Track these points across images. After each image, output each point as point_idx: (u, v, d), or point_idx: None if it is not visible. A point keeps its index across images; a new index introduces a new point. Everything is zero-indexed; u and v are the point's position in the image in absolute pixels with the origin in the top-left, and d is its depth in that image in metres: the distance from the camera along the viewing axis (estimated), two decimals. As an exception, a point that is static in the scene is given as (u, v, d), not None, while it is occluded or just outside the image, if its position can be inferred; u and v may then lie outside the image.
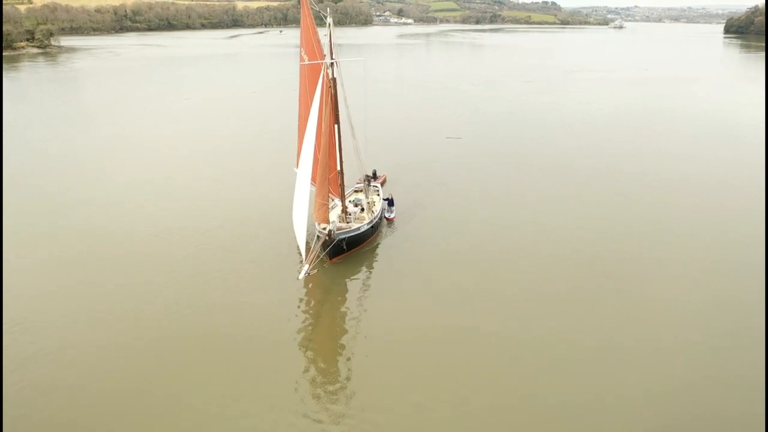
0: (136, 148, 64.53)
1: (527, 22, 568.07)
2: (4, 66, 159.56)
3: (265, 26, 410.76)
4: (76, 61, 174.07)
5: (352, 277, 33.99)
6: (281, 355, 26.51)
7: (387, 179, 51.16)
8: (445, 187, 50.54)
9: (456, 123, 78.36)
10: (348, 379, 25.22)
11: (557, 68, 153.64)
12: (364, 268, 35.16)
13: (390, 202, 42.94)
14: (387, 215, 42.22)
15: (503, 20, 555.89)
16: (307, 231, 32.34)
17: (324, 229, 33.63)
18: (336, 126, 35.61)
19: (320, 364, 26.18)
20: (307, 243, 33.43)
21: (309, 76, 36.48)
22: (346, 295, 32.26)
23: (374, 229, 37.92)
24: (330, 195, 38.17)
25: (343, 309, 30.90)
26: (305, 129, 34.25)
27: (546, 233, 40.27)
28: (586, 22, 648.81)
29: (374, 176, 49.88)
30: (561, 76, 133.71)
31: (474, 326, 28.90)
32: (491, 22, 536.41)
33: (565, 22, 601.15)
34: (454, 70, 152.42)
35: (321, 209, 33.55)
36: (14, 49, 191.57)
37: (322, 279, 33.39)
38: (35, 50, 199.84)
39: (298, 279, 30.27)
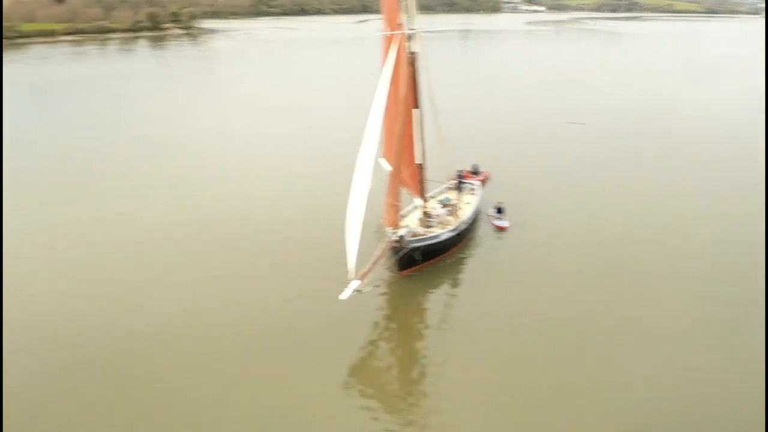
0: (244, 129, 60.87)
1: (669, 11, 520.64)
2: (153, 44, 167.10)
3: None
4: (215, 42, 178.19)
5: (426, 294, 27.05)
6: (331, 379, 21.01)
7: (490, 176, 42.84)
8: (563, 185, 41.85)
9: (580, 110, 68.30)
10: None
11: (701, 58, 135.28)
12: (443, 284, 28.00)
13: (498, 210, 35.02)
14: (497, 223, 34.50)
15: (642, 8, 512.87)
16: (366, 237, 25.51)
17: (394, 234, 26.95)
18: (416, 110, 28.52)
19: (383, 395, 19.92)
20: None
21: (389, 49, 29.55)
22: (415, 317, 25.54)
23: (460, 237, 30.42)
24: (410, 194, 31.31)
25: (410, 332, 24.38)
26: (390, 112, 27.89)
27: (692, 245, 31.57)
28: (735, 11, 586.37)
29: (475, 172, 42.09)
30: (706, 67, 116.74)
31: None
32: (628, 10, 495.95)
33: (711, 11, 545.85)
34: (583, 56, 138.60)
35: (391, 210, 26.73)
36: (161, 29, 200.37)
37: (391, 294, 26.78)
38: (179, 31, 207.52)
39: (340, 299, 23.15)
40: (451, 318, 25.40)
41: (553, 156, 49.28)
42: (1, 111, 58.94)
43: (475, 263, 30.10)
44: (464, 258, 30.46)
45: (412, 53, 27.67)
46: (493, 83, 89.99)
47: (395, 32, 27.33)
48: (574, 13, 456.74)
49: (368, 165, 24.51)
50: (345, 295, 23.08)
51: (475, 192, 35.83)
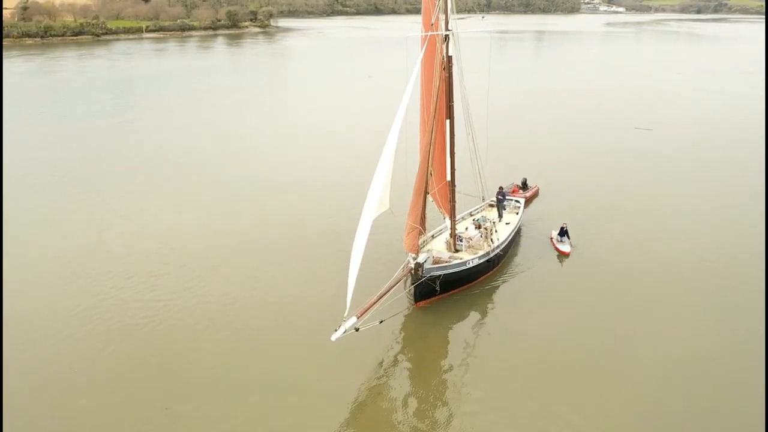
0: (294, 124, 59.77)
1: (761, 12, 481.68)
2: (230, 41, 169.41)
3: (468, 12, 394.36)
4: (289, 40, 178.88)
5: (445, 329, 23.41)
6: None
7: (539, 192, 38.52)
8: (635, 203, 37.16)
9: (650, 115, 62.95)
10: None
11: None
12: (465, 319, 24.10)
13: (561, 232, 30.70)
14: (559, 246, 30.42)
15: (730, 9, 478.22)
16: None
17: (414, 259, 23.61)
18: (448, 122, 24.98)
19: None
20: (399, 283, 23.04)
21: (427, 52, 26.15)
22: (426, 356, 22.02)
23: (490, 264, 26.50)
24: (442, 212, 27.81)
25: (418, 374, 20.73)
26: (425, 121, 24.86)
27: None
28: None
29: (524, 186, 38.02)
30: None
31: None
32: (715, 11, 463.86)
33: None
34: (661, 58, 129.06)
35: (411, 234, 23.40)
36: (239, 27, 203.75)
37: (403, 328, 23.34)
38: (256, 29, 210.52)
39: (331, 340, 19.35)
40: (469, 359, 21.56)
41: (624, 168, 44.61)
42: (0, 111, 58.29)
43: (509, 293, 26.11)
44: (496, 287, 26.51)
45: (447, 57, 24.15)
46: (557, 85, 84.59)
47: (428, 33, 23.98)
48: (657, 14, 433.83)
49: (381, 184, 21.08)
50: (336, 335, 19.30)
51: (518, 210, 31.93)
